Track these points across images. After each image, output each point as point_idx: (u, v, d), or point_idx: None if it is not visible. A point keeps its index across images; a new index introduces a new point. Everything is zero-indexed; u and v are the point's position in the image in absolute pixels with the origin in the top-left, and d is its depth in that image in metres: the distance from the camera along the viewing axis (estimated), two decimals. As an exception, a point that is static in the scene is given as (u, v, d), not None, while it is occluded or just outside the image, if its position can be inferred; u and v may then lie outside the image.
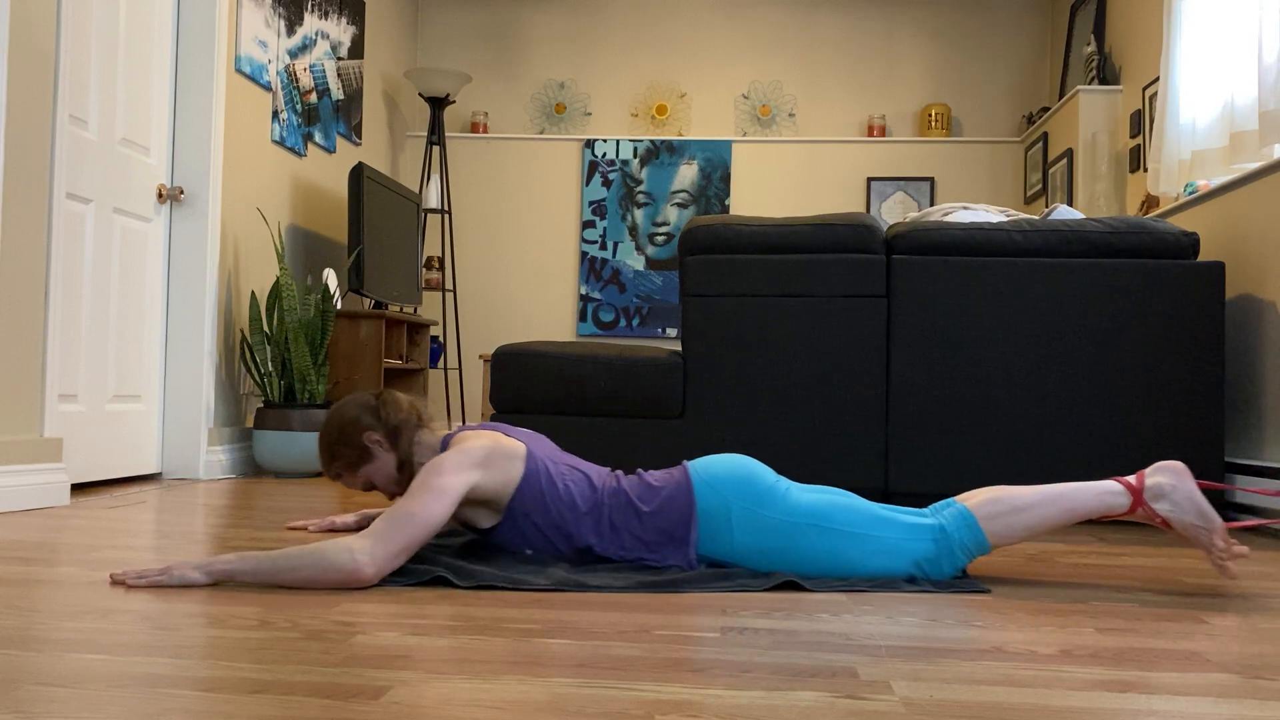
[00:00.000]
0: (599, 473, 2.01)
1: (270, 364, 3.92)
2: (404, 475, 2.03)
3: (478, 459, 1.87)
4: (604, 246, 6.15)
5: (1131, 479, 1.88)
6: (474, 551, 2.04)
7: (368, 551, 1.71)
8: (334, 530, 2.42)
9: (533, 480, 1.93)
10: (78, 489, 3.28)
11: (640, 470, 2.03)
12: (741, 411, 3.08)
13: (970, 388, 3.05)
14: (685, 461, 2.01)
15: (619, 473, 2.03)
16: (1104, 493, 1.87)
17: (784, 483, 1.93)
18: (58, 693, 1.12)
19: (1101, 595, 1.85)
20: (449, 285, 6.20)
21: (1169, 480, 1.85)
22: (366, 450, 2.02)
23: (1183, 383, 3.00)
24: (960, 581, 1.86)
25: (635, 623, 1.53)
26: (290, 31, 4.50)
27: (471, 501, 1.94)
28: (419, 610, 1.58)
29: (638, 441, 3.10)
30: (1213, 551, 1.84)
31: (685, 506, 1.90)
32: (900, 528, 1.88)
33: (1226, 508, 3.11)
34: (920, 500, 3.06)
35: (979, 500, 1.89)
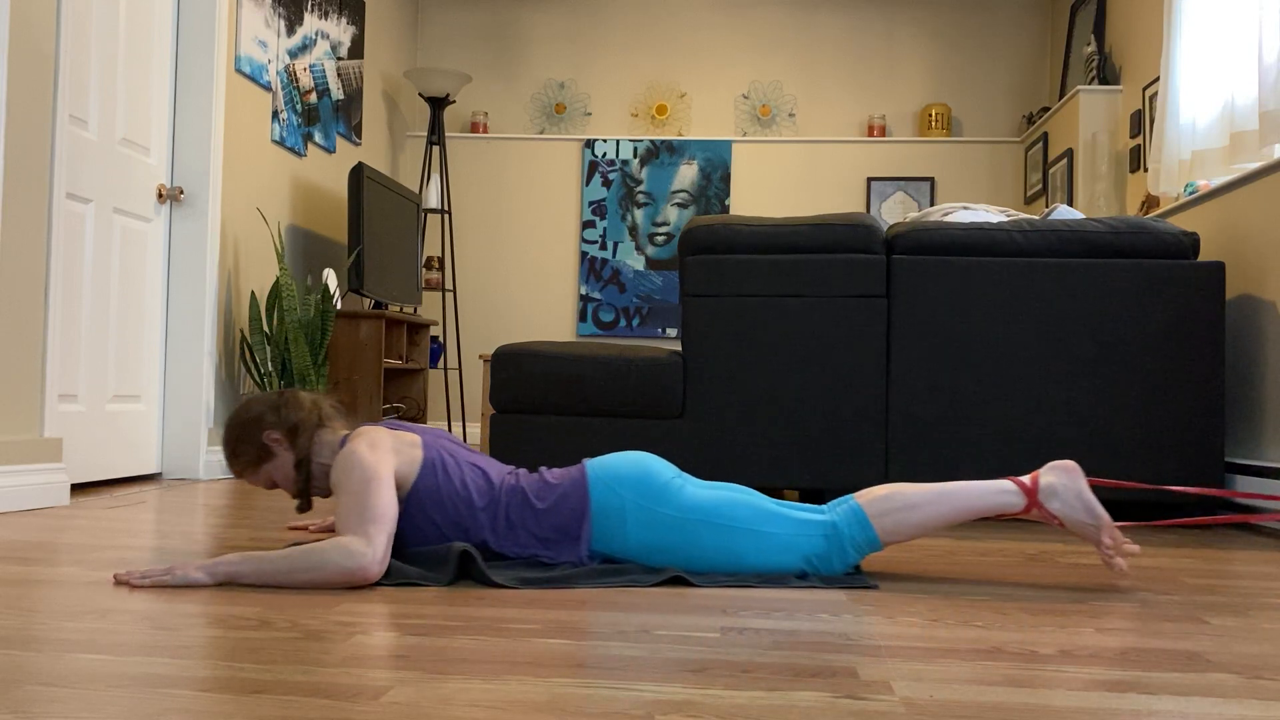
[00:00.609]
0: (499, 469, 2.01)
1: (270, 364, 3.92)
2: (301, 474, 2.00)
3: (386, 444, 1.89)
4: (604, 246, 6.15)
5: (1026, 479, 1.92)
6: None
7: (368, 549, 1.71)
8: (333, 530, 2.42)
9: (430, 471, 1.93)
10: (78, 489, 3.28)
11: (542, 468, 2.04)
12: (741, 411, 3.08)
13: (970, 388, 3.05)
14: (585, 460, 2.02)
15: (520, 470, 2.04)
16: (998, 492, 1.90)
17: (681, 480, 1.95)
18: (58, 693, 1.12)
19: (1101, 595, 1.85)
20: (449, 285, 6.20)
21: (1060, 479, 1.90)
22: (266, 448, 2.01)
23: (1183, 383, 3.00)
24: (849, 577, 1.89)
25: (635, 623, 1.53)
26: (290, 31, 4.50)
27: None
28: (419, 610, 1.58)
29: (638, 441, 3.10)
30: (1101, 548, 1.89)
31: (579, 503, 1.92)
32: (792, 524, 1.90)
33: (1231, 508, 3.11)
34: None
35: (872, 497, 1.91)
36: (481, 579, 1.80)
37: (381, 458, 1.85)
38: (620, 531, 1.91)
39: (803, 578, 1.88)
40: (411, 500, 1.93)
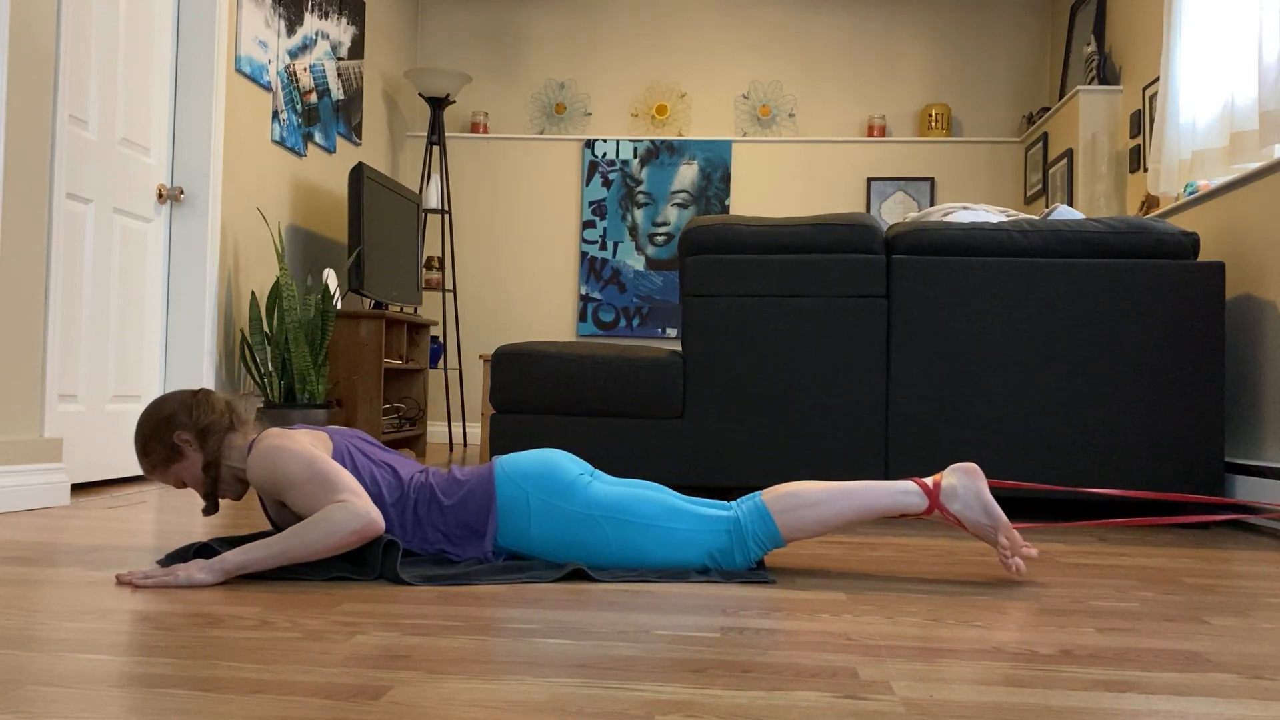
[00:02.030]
0: (410, 467, 2.02)
1: (270, 364, 3.92)
2: (209, 476, 2.00)
3: (300, 436, 1.90)
4: (604, 246, 6.15)
5: (928, 481, 1.95)
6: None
7: (359, 504, 1.75)
8: None
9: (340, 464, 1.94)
10: (78, 489, 3.28)
11: (454, 466, 2.05)
12: (741, 411, 3.08)
13: (970, 387, 3.05)
14: (496, 457, 2.04)
15: (431, 468, 2.05)
16: (900, 492, 1.93)
17: (590, 476, 1.97)
18: (58, 693, 1.12)
19: (1101, 595, 1.85)
20: (449, 285, 6.20)
21: (960, 481, 1.93)
22: (176, 449, 2.01)
23: (1182, 383, 3.00)
24: (749, 573, 1.91)
25: (635, 623, 1.53)
26: (290, 31, 4.50)
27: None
28: (419, 610, 1.58)
29: (638, 441, 3.10)
30: (999, 548, 1.92)
31: (485, 499, 1.93)
32: (695, 519, 1.92)
33: (1237, 510, 3.11)
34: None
35: (775, 494, 1.94)
36: (393, 578, 1.81)
37: (302, 443, 1.87)
38: (525, 527, 1.93)
39: (703, 572, 1.90)
40: None
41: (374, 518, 1.75)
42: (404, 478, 1.98)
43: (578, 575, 1.89)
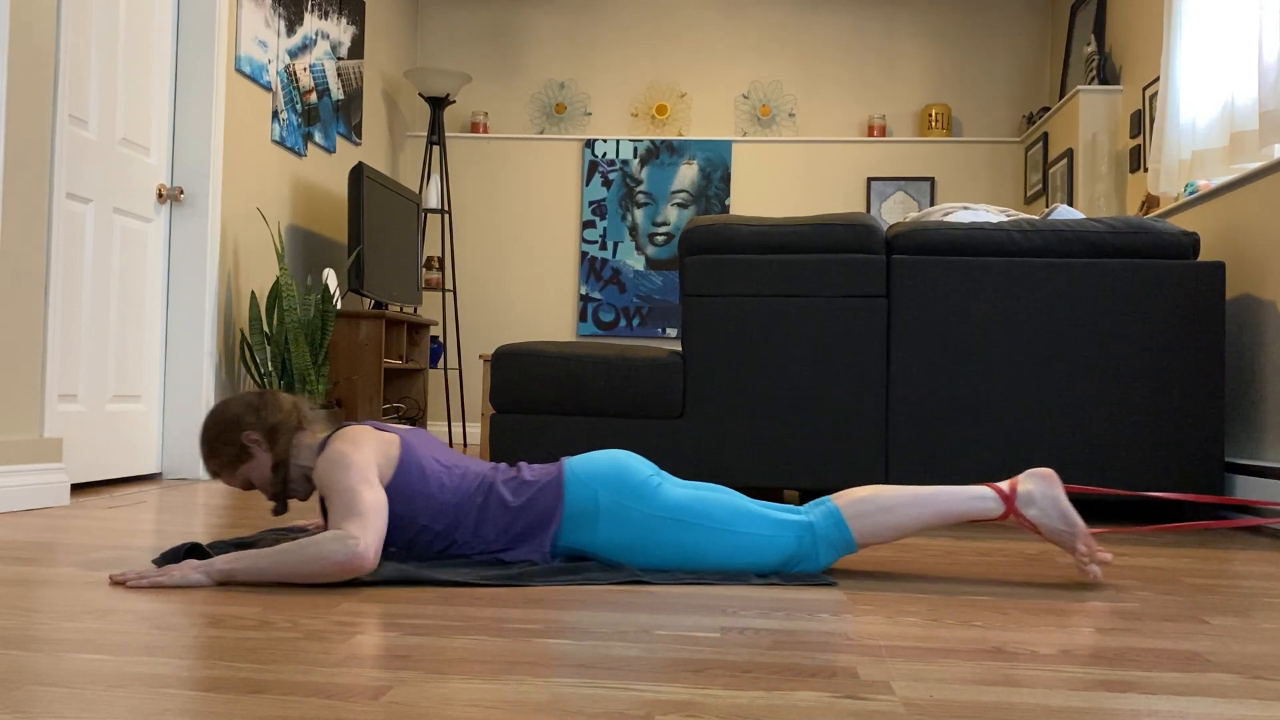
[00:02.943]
0: (477, 468, 2.01)
1: (270, 364, 3.92)
2: (278, 476, 2.00)
3: (370, 443, 1.89)
4: (604, 246, 6.15)
5: (1004, 486, 1.93)
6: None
7: (361, 539, 1.71)
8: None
9: (406, 470, 1.93)
10: (78, 489, 3.28)
11: (522, 464, 2.04)
12: (741, 411, 3.08)
13: (970, 388, 3.05)
14: (565, 458, 2.03)
15: (500, 466, 2.04)
16: (975, 498, 1.92)
17: (660, 478, 1.95)
18: (58, 693, 1.12)
19: (1101, 595, 1.85)
20: (449, 285, 6.20)
21: (1038, 487, 1.91)
22: (245, 449, 2.01)
23: (1183, 383, 3.00)
24: (807, 576, 1.89)
25: (635, 623, 1.53)
26: (290, 31, 4.50)
27: None
28: (419, 610, 1.58)
29: (638, 441, 3.10)
30: (1076, 555, 1.91)
31: (552, 500, 1.92)
32: (768, 523, 1.90)
33: (1231, 509, 3.11)
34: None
35: (849, 499, 1.92)
36: (430, 582, 1.79)
37: (366, 456, 1.86)
38: (591, 527, 1.91)
39: (763, 576, 1.88)
40: (391, 499, 1.93)
41: (361, 554, 1.70)
42: (471, 479, 1.97)
43: (637, 583, 1.85)
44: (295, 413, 2.04)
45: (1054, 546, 2.44)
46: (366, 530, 1.73)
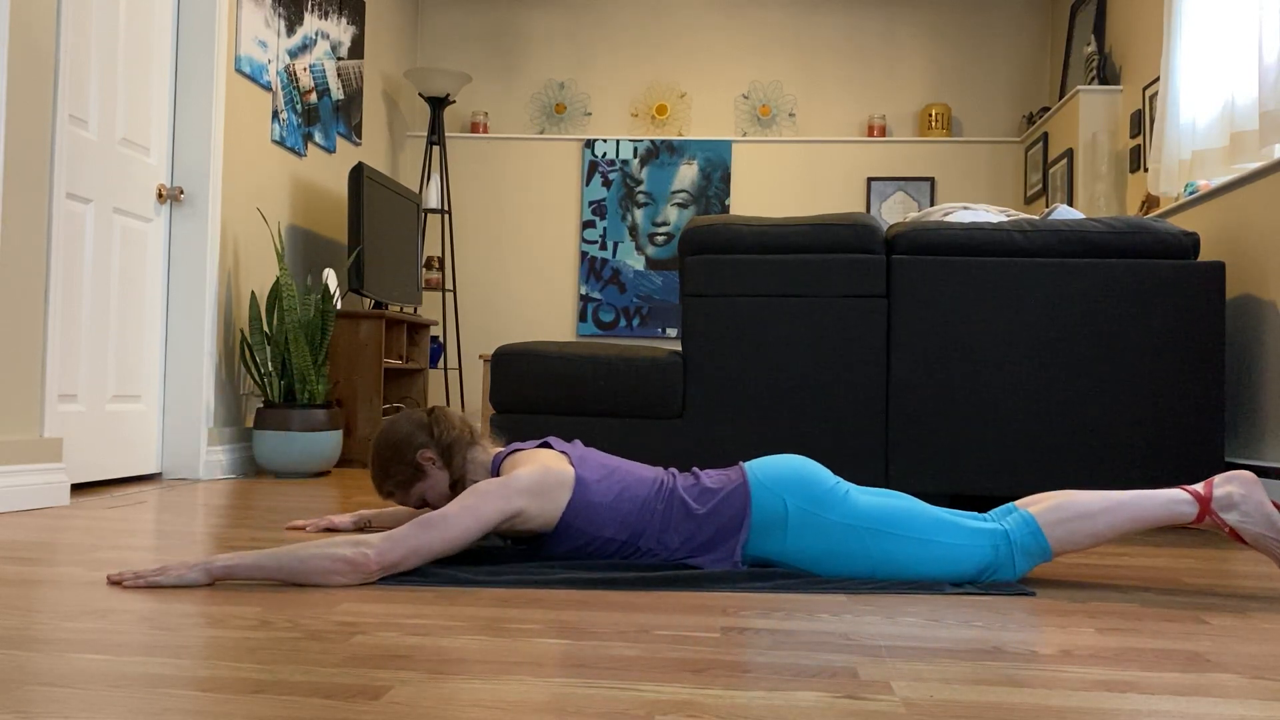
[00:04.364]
0: (652, 475, 1.98)
1: (270, 364, 3.92)
2: (456, 494, 2.02)
3: (524, 487, 1.85)
4: (604, 246, 6.15)
5: (1199, 488, 1.85)
6: (495, 558, 2.03)
7: (376, 546, 1.71)
8: (332, 530, 2.42)
9: (580, 503, 1.91)
10: (78, 489, 3.28)
11: (696, 469, 2.01)
12: (741, 411, 3.08)
13: (970, 388, 3.05)
14: (742, 463, 2.00)
15: (673, 472, 2.01)
16: (1172, 501, 1.84)
17: (843, 485, 1.91)
18: (58, 693, 1.12)
19: (1101, 595, 1.85)
20: (449, 285, 6.20)
21: (1239, 490, 1.83)
22: (420, 468, 2.01)
23: (1183, 383, 3.00)
24: (1004, 585, 1.84)
25: (635, 623, 1.53)
26: (290, 31, 4.50)
27: (518, 519, 1.93)
28: (419, 610, 1.58)
29: (638, 441, 3.09)
30: None
31: (740, 508, 1.89)
32: (963, 533, 1.85)
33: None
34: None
35: (1044, 506, 1.86)
36: (609, 584, 1.77)
37: (504, 502, 1.81)
38: (780, 536, 1.88)
39: (958, 585, 1.83)
40: (563, 527, 1.91)
41: (367, 559, 1.69)
42: (649, 487, 1.95)
43: (836, 588, 1.82)
44: (467, 428, 2.04)
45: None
46: (390, 543, 1.72)
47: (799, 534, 1.87)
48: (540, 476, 1.88)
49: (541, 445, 2.03)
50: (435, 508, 2.05)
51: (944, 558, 1.84)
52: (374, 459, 2.03)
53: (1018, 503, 1.92)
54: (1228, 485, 1.84)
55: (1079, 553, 1.97)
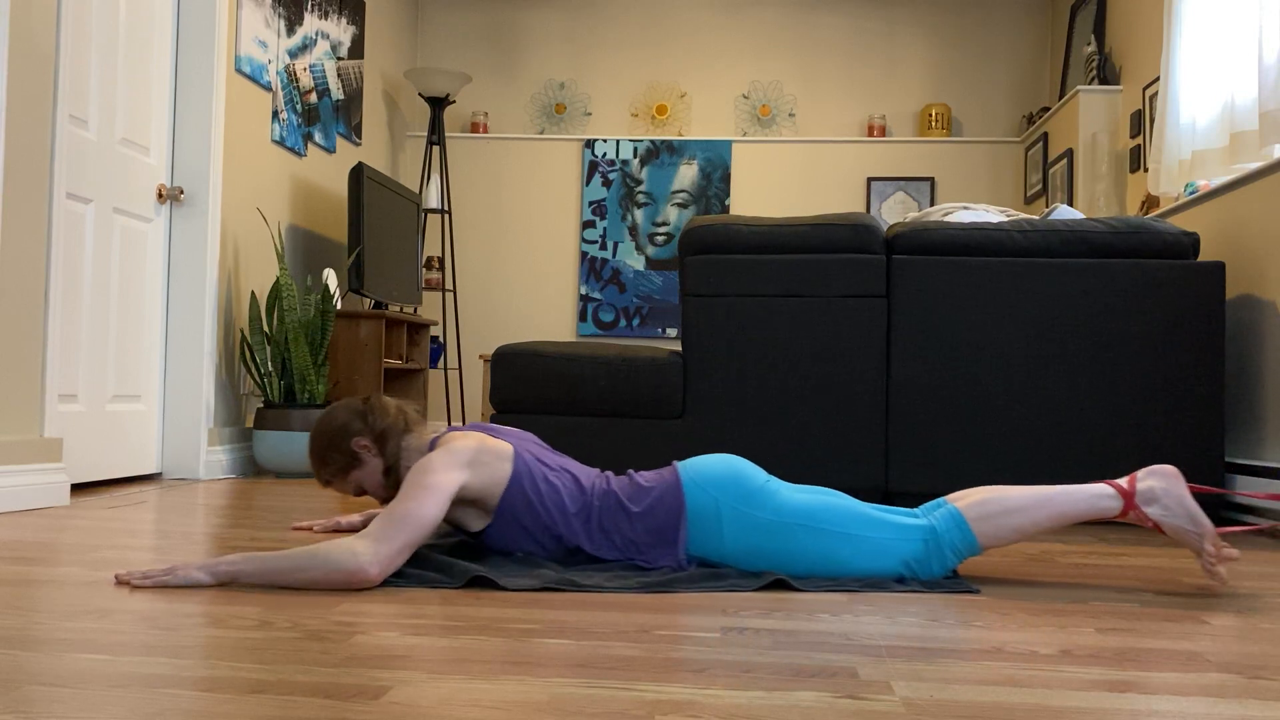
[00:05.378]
0: (588, 474, 2.01)
1: (270, 364, 3.92)
2: (391, 480, 2.03)
3: (465, 459, 1.88)
4: (604, 246, 6.15)
5: (1123, 482, 1.89)
6: (464, 553, 2.04)
7: (370, 552, 1.71)
8: (339, 530, 2.42)
9: (520, 481, 1.93)
10: (78, 489, 3.28)
11: (630, 471, 2.03)
12: (741, 411, 3.08)
13: (970, 388, 3.05)
14: (675, 462, 2.01)
15: (608, 474, 2.04)
16: (1096, 496, 1.88)
17: (774, 483, 1.93)
18: (58, 693, 1.12)
19: (1101, 595, 1.85)
20: (449, 285, 6.20)
21: (1160, 484, 1.86)
22: (356, 456, 2.03)
23: (1182, 383, 3.00)
24: (949, 581, 1.87)
25: (635, 623, 1.53)
26: (290, 31, 4.50)
27: (461, 502, 1.95)
28: (419, 610, 1.58)
29: (638, 441, 3.09)
30: (1203, 555, 1.84)
31: (675, 506, 1.91)
32: (890, 528, 1.88)
33: (1226, 508, 3.11)
34: (920, 500, 3.06)
35: (970, 501, 1.89)
36: (563, 585, 1.76)
37: (450, 472, 1.84)
38: (716, 535, 1.89)
39: (901, 581, 1.86)
40: (504, 510, 1.93)
41: (365, 566, 1.70)
42: (586, 486, 1.97)
43: (779, 584, 1.84)
44: (401, 416, 2.05)
45: (1068, 545, 2.44)
46: (383, 543, 1.72)
47: (734, 533, 1.89)
48: (478, 446, 1.91)
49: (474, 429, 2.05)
50: (373, 494, 2.07)
51: (873, 552, 1.87)
52: (311, 448, 2.04)
53: (947, 497, 1.94)
54: (1150, 479, 1.87)
55: (1006, 545, 2.00)
